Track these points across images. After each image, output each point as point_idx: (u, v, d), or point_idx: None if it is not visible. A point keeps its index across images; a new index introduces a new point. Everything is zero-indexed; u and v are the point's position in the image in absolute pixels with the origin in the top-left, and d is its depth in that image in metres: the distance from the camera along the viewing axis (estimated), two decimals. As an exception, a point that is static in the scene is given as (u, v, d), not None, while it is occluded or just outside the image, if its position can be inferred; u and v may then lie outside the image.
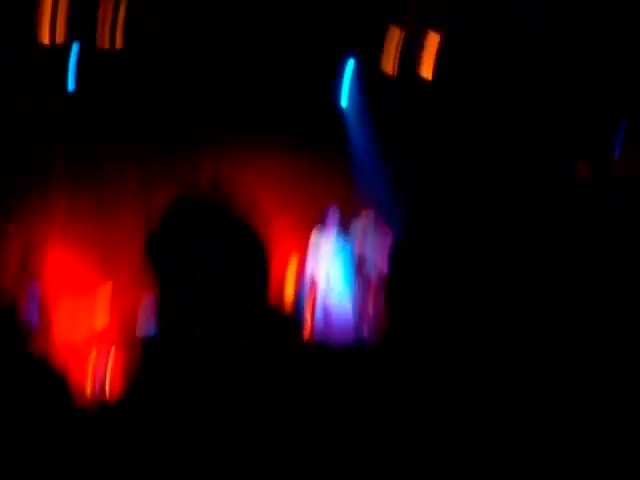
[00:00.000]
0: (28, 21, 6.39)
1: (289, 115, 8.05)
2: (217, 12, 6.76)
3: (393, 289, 6.73)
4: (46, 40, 6.36)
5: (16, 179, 7.45)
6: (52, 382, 2.33)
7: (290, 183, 8.45)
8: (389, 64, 7.26)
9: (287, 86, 7.78)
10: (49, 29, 6.31)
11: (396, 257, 7.05)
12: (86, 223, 7.73)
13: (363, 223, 7.38)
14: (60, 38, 6.38)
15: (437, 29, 7.13)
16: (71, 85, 7.06)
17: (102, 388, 6.30)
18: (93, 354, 6.88)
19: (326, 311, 6.64)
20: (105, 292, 7.33)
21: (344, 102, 7.94)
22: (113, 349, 6.79)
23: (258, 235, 1.75)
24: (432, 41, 7.16)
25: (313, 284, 7.12)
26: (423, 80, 7.35)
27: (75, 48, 6.52)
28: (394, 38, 7.15)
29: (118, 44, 6.57)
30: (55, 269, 7.54)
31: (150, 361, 1.64)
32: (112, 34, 6.52)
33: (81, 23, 6.51)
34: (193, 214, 1.59)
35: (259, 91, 7.75)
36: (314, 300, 6.93)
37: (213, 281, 1.54)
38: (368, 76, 7.71)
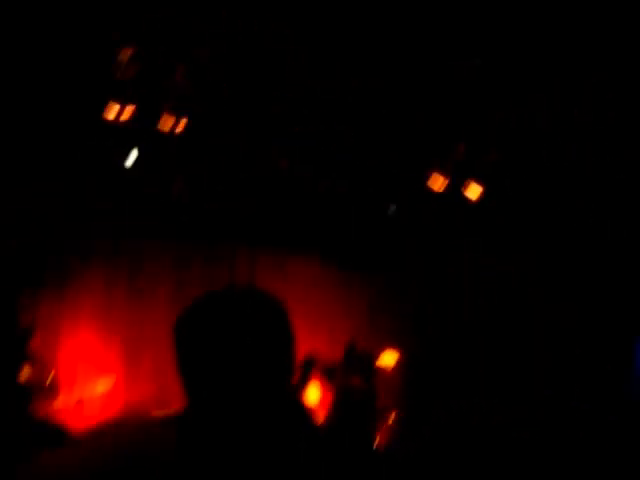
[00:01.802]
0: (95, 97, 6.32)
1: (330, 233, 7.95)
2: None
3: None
4: (111, 116, 6.24)
5: (54, 258, 7.25)
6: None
7: (321, 299, 8.29)
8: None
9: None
10: (115, 105, 6.19)
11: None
12: (117, 311, 7.51)
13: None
14: (124, 116, 6.26)
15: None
16: (127, 163, 6.92)
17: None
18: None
19: None
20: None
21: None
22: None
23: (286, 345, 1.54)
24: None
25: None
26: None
27: (137, 127, 6.40)
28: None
29: (178, 128, 6.44)
30: (75, 351, 7.28)
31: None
32: (175, 118, 6.40)
33: (146, 103, 6.43)
34: (224, 316, 1.40)
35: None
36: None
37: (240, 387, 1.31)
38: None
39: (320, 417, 7.16)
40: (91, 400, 6.79)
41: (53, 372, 6.60)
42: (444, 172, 7.14)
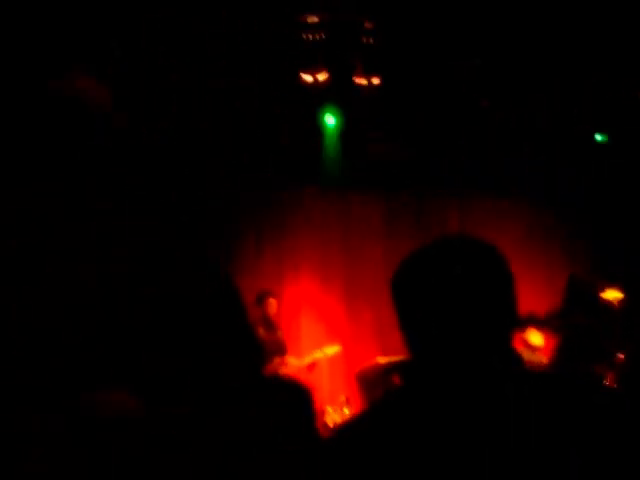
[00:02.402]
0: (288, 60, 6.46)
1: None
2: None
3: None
4: (309, 78, 6.38)
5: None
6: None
7: (535, 247, 8.07)
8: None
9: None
10: (310, 68, 6.33)
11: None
12: (333, 267, 7.74)
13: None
14: (321, 76, 6.38)
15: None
16: (330, 121, 7.09)
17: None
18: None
19: None
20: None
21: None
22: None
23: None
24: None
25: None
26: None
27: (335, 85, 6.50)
28: None
29: (375, 81, 6.46)
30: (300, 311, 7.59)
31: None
32: (369, 70, 6.43)
33: (337, 60, 6.50)
34: (441, 265, 1.39)
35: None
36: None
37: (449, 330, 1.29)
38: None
39: (545, 359, 7.02)
40: (321, 362, 6.97)
41: (281, 333, 6.84)
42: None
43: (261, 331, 6.49)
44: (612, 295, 6.94)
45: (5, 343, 1.99)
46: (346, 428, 1.62)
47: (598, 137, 7.55)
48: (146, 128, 6.48)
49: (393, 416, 1.50)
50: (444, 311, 1.45)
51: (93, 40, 5.69)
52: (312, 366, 6.80)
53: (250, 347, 2.16)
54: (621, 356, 6.47)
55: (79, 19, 5.53)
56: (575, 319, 6.51)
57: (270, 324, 6.70)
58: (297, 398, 2.34)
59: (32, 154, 5.70)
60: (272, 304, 6.75)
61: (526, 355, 6.74)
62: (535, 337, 7.03)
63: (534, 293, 7.58)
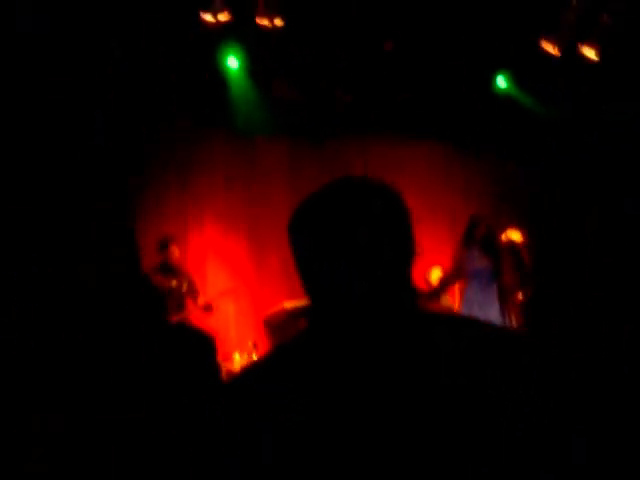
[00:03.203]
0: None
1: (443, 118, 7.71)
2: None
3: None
4: (209, 18, 6.22)
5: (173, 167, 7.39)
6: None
7: (438, 189, 8.17)
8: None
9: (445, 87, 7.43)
10: (212, 7, 6.17)
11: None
12: (238, 213, 7.66)
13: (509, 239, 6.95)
14: (223, 17, 6.22)
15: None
16: (232, 63, 6.95)
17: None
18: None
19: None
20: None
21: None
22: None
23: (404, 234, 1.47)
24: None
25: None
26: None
27: (237, 26, 6.35)
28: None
29: (278, 22, 6.34)
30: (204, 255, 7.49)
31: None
32: (271, 12, 6.30)
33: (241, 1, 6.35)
34: (337, 205, 1.37)
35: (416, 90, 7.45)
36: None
37: (356, 275, 1.25)
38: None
39: (451, 301, 7.17)
40: (221, 302, 6.93)
41: (189, 278, 6.75)
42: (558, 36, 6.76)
43: (161, 278, 6.40)
44: (513, 236, 7.08)
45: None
46: (248, 371, 1.56)
47: (498, 82, 7.64)
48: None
49: (297, 358, 1.45)
50: (342, 252, 1.40)
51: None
52: (208, 307, 6.71)
53: (147, 295, 2.10)
54: (520, 296, 6.63)
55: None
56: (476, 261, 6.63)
57: (172, 270, 6.61)
58: (199, 344, 2.30)
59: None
60: (174, 251, 6.66)
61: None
62: (437, 274, 7.17)
63: (436, 236, 7.66)
